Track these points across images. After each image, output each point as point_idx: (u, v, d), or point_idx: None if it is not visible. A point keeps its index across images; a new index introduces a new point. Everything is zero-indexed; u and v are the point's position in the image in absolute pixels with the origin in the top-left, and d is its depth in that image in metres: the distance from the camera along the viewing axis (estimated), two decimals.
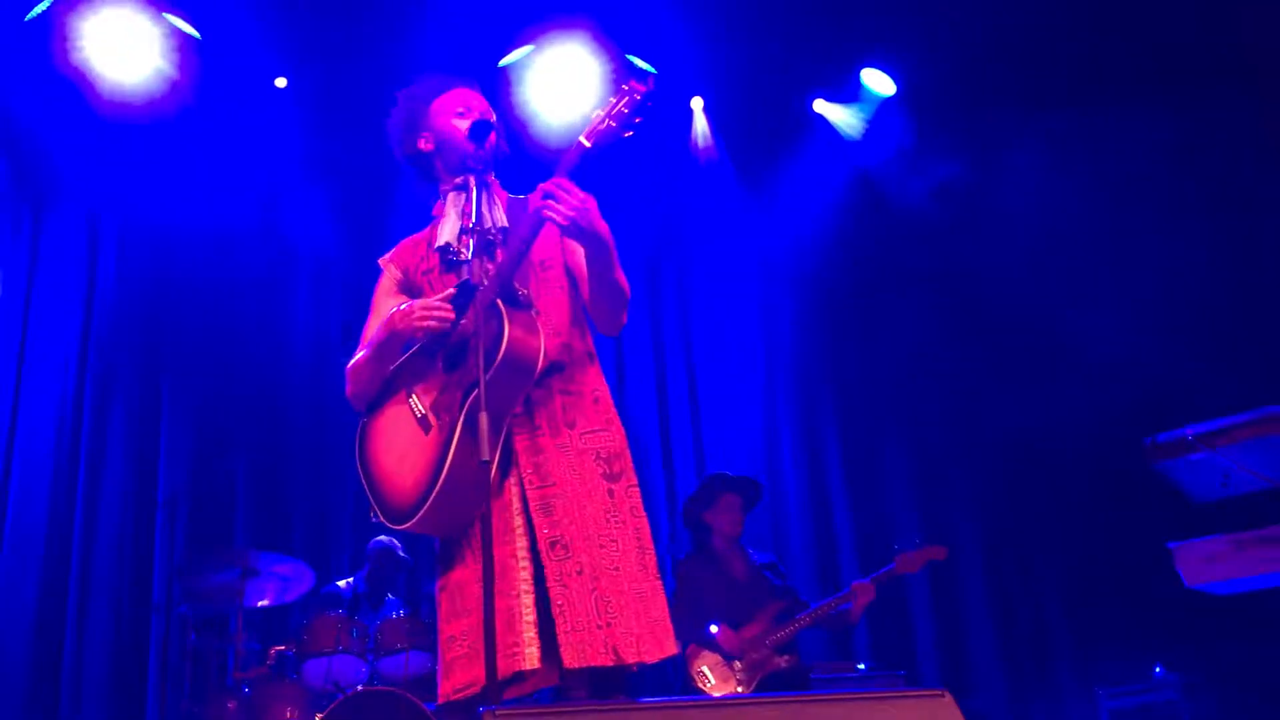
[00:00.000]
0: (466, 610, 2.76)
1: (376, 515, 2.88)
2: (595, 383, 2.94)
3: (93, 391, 6.34)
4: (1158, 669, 5.42)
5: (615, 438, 2.89)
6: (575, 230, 2.70)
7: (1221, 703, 5.36)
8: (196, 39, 6.41)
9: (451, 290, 2.83)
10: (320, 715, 4.63)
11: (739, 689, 5.00)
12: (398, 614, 5.31)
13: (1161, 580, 4.47)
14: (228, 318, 6.73)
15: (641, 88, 2.69)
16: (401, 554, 5.79)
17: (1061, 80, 6.55)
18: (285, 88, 6.79)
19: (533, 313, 2.79)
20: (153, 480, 6.31)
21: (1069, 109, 6.48)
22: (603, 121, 2.70)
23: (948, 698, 2.10)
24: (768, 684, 5.02)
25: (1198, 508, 4.34)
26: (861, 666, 5.74)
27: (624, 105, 2.68)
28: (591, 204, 2.71)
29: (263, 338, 6.81)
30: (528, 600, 2.66)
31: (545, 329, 2.79)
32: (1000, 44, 6.55)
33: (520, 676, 2.65)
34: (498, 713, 1.89)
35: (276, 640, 5.45)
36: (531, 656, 2.62)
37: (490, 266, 2.81)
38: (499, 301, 2.71)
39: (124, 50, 6.29)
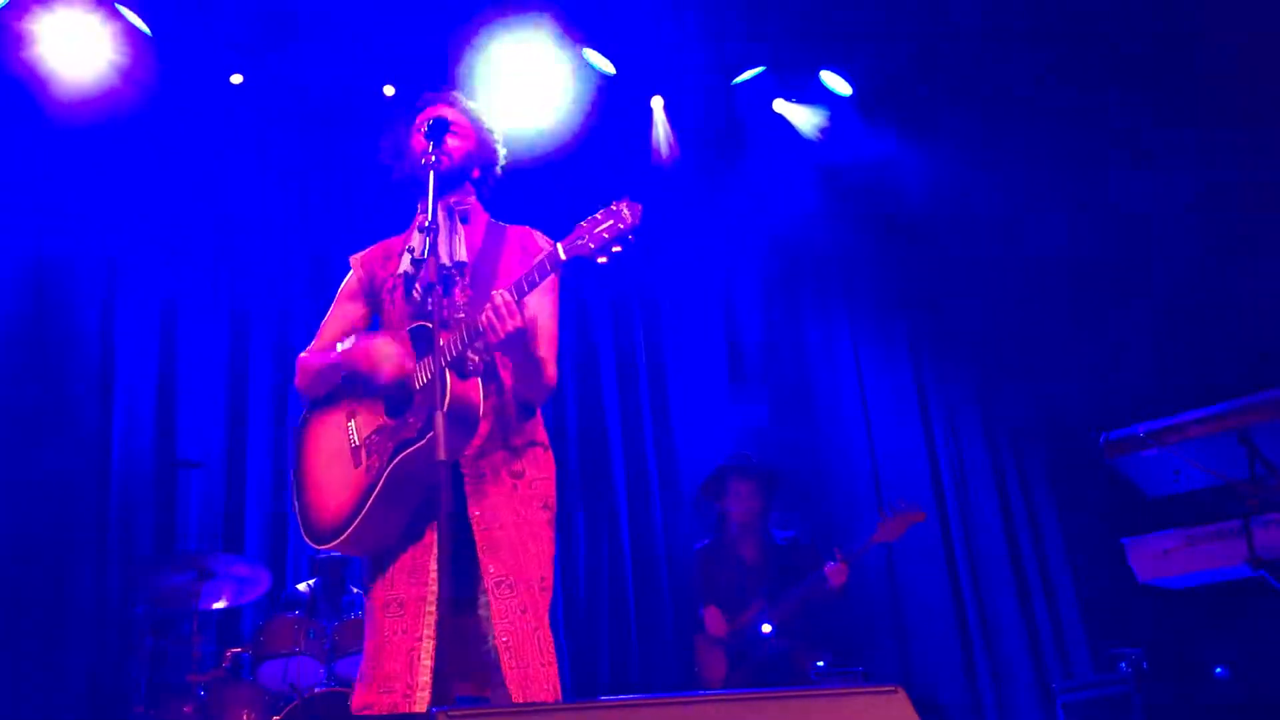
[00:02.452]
0: (377, 628, 2.86)
1: (298, 518, 2.99)
2: (539, 435, 3.06)
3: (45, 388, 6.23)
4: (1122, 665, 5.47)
5: (552, 486, 3.02)
6: (504, 348, 2.81)
7: (1174, 697, 5.43)
8: (147, 35, 6.31)
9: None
10: (277, 718, 4.61)
11: (728, 674, 5.03)
12: (356, 615, 5.28)
13: (1115, 575, 4.54)
14: (186, 312, 6.64)
15: (629, 219, 2.67)
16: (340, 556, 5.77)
17: (1013, 78, 6.62)
18: (241, 84, 6.70)
19: (477, 383, 2.85)
20: (105, 480, 6.21)
21: (1019, 106, 6.55)
22: (583, 238, 2.70)
23: (901, 694, 2.13)
24: (759, 670, 5.03)
25: (1150, 503, 4.40)
26: (820, 663, 5.76)
27: (606, 230, 2.68)
28: (530, 327, 2.79)
29: (221, 334, 6.72)
30: (429, 645, 2.76)
31: (491, 385, 2.90)
32: (956, 41, 6.62)
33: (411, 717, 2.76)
34: (451, 713, 1.89)
35: (233, 642, 5.40)
36: (423, 700, 2.72)
37: (443, 300, 2.89)
38: (448, 371, 2.75)
39: (73, 48, 6.16)
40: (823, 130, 7.35)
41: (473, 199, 3.10)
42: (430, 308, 2.78)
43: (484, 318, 2.71)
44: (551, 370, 2.97)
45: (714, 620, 5.13)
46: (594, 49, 6.90)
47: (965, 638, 6.65)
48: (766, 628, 5.07)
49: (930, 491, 6.93)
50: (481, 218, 3.08)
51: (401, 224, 3.19)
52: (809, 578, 5.16)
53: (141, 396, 6.41)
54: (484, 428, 2.86)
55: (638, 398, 7.27)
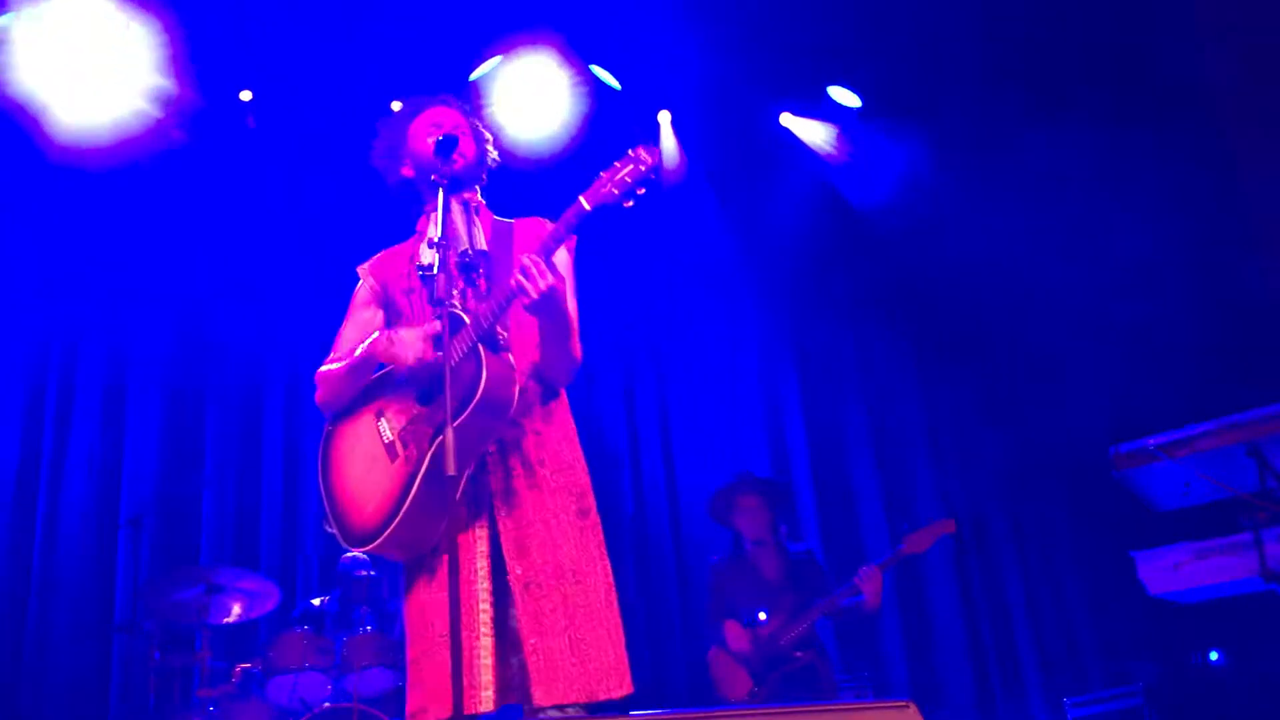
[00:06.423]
0: (421, 635, 2.78)
1: (332, 528, 2.90)
2: (563, 420, 2.96)
3: (54, 406, 6.26)
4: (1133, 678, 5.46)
5: (582, 476, 2.92)
6: (538, 309, 2.71)
7: (1184, 710, 5.41)
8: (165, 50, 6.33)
9: (436, 326, 2.77)
10: None
11: (753, 689, 5.00)
12: (364, 630, 5.27)
13: (1126, 588, 4.52)
14: (197, 329, 6.66)
15: (648, 160, 2.62)
16: (368, 571, 5.75)
17: (1023, 91, 6.61)
18: (250, 101, 6.73)
19: (509, 358, 2.80)
20: (115, 497, 6.23)
21: (1029, 119, 6.54)
22: (605, 186, 2.64)
23: (912, 709, 2.12)
24: (785, 684, 4.99)
25: (1160, 516, 4.38)
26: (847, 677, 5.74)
27: (628, 174, 2.62)
28: (561, 285, 2.72)
29: (233, 350, 6.73)
30: (487, 644, 2.68)
31: (520, 367, 2.82)
32: (966, 54, 6.62)
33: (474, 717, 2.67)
34: None
35: (242, 657, 5.40)
36: (488, 700, 2.63)
37: (466, 289, 2.82)
38: (480, 346, 2.70)
39: (82, 63, 6.18)
40: (831, 144, 7.37)
41: (479, 197, 3.10)
42: (455, 297, 2.72)
43: (514, 280, 2.65)
44: (579, 344, 2.90)
45: (735, 634, 5.10)
46: (601, 65, 6.92)
47: (977, 651, 6.63)
48: (762, 615, 5.06)
49: (940, 505, 6.91)
50: (487, 215, 3.07)
51: (404, 231, 3.19)
52: (835, 591, 5.14)
53: (150, 408, 6.43)
54: (511, 415, 2.75)
55: (646, 408, 7.28)
